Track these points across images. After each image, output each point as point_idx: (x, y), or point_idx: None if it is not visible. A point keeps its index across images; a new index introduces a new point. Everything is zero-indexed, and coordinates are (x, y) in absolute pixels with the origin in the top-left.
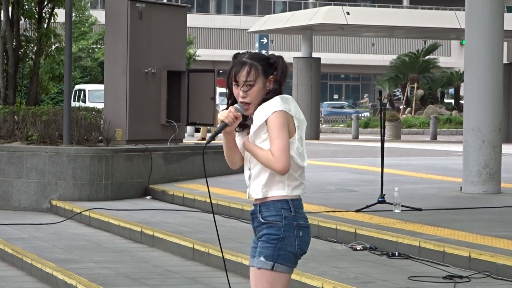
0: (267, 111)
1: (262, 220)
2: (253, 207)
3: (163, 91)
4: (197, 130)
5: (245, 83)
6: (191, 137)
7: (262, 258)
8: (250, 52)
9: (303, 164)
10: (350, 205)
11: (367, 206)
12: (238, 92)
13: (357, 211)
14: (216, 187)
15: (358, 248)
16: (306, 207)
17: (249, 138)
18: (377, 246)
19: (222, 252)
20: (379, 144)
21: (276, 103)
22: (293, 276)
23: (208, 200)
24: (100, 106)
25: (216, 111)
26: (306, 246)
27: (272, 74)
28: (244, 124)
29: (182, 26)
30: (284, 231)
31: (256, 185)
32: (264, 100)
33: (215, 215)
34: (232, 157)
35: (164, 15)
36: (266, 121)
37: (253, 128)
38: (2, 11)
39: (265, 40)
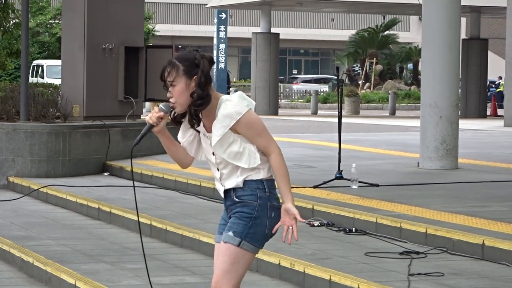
0: (233, 117)
1: (236, 199)
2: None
3: (120, 67)
4: None
5: (169, 83)
6: (149, 113)
7: (230, 233)
8: (188, 51)
9: None
10: (307, 181)
11: (325, 182)
12: None
13: (315, 187)
14: (174, 163)
15: (315, 224)
16: None
17: (213, 146)
18: (334, 222)
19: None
20: (337, 120)
21: (239, 107)
22: None
23: (166, 176)
24: (59, 81)
25: None
26: (274, 226)
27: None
28: (179, 121)
29: (140, 1)
30: (258, 211)
31: (231, 181)
32: (225, 105)
33: (174, 191)
34: (176, 156)
35: None
36: (234, 125)
37: (215, 137)
38: None
39: (223, 16)
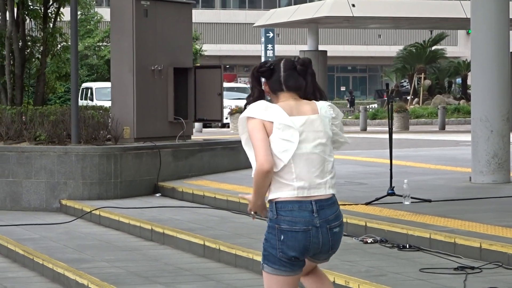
0: (241, 116)
1: None
2: None
3: (170, 88)
4: (205, 126)
5: None
6: (199, 133)
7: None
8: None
9: (278, 166)
10: (359, 198)
11: (377, 199)
12: None
13: (367, 204)
14: (225, 182)
15: (369, 241)
16: None
17: None
18: (388, 239)
19: None
20: (387, 136)
21: (247, 111)
22: None
23: (218, 196)
24: (108, 103)
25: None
26: (293, 251)
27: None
28: None
29: (188, 22)
30: (268, 233)
31: None
32: None
33: (226, 211)
34: None
35: (169, 12)
36: None
37: None
38: (7, 12)
39: (271, 34)
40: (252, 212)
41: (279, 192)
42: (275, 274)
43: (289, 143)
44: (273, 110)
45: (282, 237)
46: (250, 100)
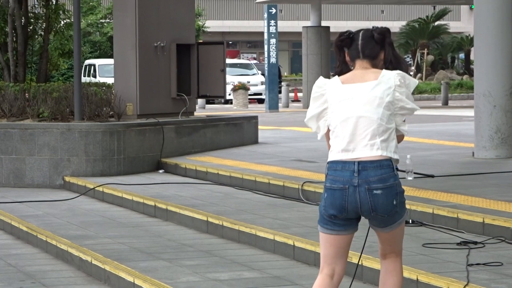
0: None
1: None
2: None
3: (172, 64)
4: (208, 102)
5: None
6: (202, 110)
7: None
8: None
9: (321, 132)
10: None
11: None
12: None
13: None
14: (228, 159)
15: None
16: (319, 176)
17: None
18: None
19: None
20: None
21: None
22: (308, 247)
23: (221, 172)
24: (111, 80)
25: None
26: (332, 208)
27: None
28: None
29: None
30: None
31: None
32: None
33: (229, 187)
34: None
35: None
36: None
37: None
38: None
39: (273, 10)
40: None
41: (330, 154)
42: (321, 232)
43: (332, 112)
44: (325, 83)
45: (325, 195)
46: (335, 69)
